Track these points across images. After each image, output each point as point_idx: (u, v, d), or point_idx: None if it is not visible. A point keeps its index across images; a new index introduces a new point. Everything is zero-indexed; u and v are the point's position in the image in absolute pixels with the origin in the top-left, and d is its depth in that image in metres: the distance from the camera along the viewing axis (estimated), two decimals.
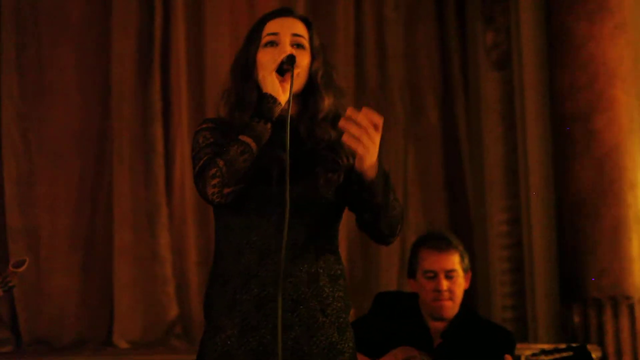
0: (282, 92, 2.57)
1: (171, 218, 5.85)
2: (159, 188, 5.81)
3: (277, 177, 2.57)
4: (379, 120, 2.40)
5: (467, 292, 3.71)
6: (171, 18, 5.99)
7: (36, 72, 5.78)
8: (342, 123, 2.39)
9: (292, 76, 2.56)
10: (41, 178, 5.71)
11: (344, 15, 6.39)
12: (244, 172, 2.51)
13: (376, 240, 2.66)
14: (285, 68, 2.58)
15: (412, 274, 3.73)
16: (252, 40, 2.69)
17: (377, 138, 2.42)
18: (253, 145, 2.52)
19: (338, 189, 2.64)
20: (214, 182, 2.50)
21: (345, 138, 2.41)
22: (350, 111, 2.39)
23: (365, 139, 2.41)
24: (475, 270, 3.92)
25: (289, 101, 2.52)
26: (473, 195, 6.46)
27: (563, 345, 3.15)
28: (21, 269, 3.40)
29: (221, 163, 2.50)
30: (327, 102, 2.67)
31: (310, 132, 2.66)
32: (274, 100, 2.55)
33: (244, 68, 2.67)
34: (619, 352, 5.38)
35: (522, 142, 6.16)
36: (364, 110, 2.39)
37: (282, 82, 2.58)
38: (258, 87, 2.64)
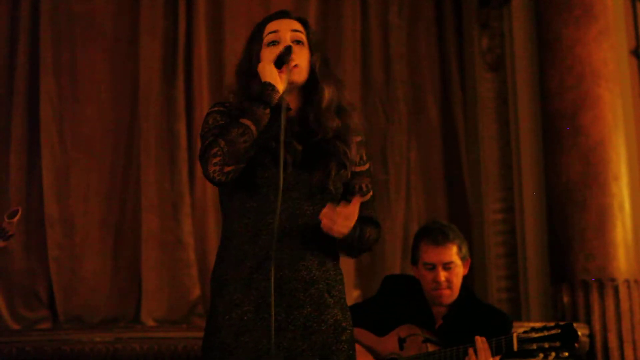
0: (279, 81, 2.56)
1: (193, 207, 5.83)
2: (183, 179, 5.79)
3: (290, 162, 2.59)
4: (347, 211, 2.52)
5: (465, 275, 3.72)
6: (194, 24, 5.94)
7: (71, 75, 5.78)
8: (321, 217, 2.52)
9: (289, 61, 2.58)
10: (76, 170, 5.72)
11: (352, 20, 6.31)
12: (244, 153, 2.50)
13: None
14: (285, 60, 2.59)
15: (414, 261, 3.75)
16: (255, 41, 2.71)
17: (350, 223, 2.54)
18: (252, 127, 2.51)
19: (343, 184, 2.70)
20: (215, 160, 2.49)
21: (323, 225, 2.52)
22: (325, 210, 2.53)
23: (337, 227, 2.53)
24: (472, 255, 3.90)
25: (286, 90, 2.56)
26: (470, 187, 6.36)
27: (552, 324, 3.22)
28: (15, 219, 3.39)
29: (222, 143, 2.50)
30: (328, 92, 2.67)
31: (317, 122, 2.65)
32: (272, 87, 2.54)
33: (249, 66, 2.68)
34: (604, 330, 5.35)
35: (515, 138, 6.13)
36: (337, 209, 2.52)
37: (279, 73, 2.59)
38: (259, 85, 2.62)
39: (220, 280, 2.62)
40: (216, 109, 2.68)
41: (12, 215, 3.38)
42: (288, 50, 2.59)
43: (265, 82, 2.56)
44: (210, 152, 2.50)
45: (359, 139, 2.74)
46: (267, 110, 2.53)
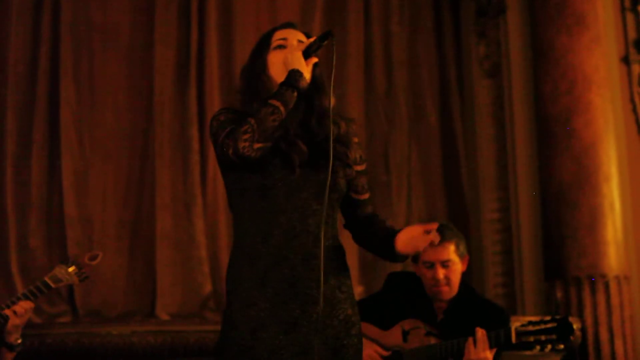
0: (306, 69, 2.58)
1: (205, 207, 5.85)
2: (195, 181, 5.81)
3: (298, 164, 2.58)
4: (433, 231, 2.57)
5: (464, 272, 3.69)
6: (205, 34, 5.97)
7: (89, 82, 5.82)
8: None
9: (333, 38, 2.58)
10: (94, 172, 5.77)
11: (355, 29, 6.34)
12: (272, 131, 2.50)
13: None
14: (311, 52, 2.60)
15: (415, 260, 3.71)
16: (263, 46, 2.71)
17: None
18: (282, 108, 2.51)
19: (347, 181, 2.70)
20: (245, 137, 2.48)
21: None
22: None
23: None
24: (470, 252, 3.90)
25: (332, 70, 2.56)
26: (468, 187, 6.39)
27: (548, 318, 3.22)
28: (95, 262, 3.45)
29: (252, 121, 2.49)
30: (333, 99, 2.66)
31: (319, 124, 2.65)
32: (300, 74, 2.55)
33: (258, 68, 2.68)
34: (596, 324, 5.37)
35: (511, 141, 6.11)
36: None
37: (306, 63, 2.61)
38: (268, 85, 2.64)
39: (235, 279, 2.59)
40: (223, 110, 2.67)
41: (93, 258, 3.47)
42: (316, 41, 2.60)
43: (293, 69, 2.56)
44: (241, 130, 2.49)
45: (356, 140, 2.77)
46: (295, 93, 2.54)
